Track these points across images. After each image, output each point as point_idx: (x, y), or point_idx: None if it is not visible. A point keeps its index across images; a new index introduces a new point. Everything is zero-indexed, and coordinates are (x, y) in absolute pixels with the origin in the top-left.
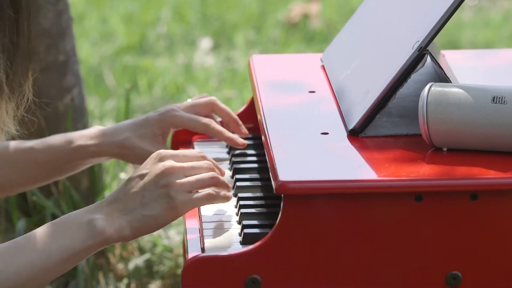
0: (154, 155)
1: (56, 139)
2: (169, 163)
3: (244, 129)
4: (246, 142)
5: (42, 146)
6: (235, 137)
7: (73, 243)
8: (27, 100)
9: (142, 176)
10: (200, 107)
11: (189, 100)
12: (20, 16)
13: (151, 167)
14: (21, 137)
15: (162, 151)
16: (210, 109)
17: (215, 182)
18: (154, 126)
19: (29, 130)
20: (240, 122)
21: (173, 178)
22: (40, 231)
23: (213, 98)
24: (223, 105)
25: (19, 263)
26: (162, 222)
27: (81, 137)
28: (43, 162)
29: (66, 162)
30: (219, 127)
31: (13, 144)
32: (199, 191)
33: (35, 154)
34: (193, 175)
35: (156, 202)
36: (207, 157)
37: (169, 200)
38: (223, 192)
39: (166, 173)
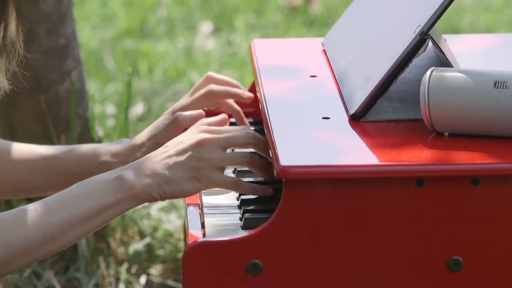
0: (197, 123)
1: (84, 150)
2: (206, 135)
3: (246, 94)
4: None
5: (70, 156)
6: (240, 91)
7: (103, 196)
8: (18, 54)
9: (178, 143)
10: (199, 87)
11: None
12: None
13: (189, 135)
14: (14, 92)
15: (205, 121)
16: (210, 99)
17: (247, 161)
18: (165, 136)
19: (22, 84)
20: (239, 91)
21: (205, 150)
22: (72, 188)
23: (208, 73)
24: (219, 76)
25: (51, 216)
26: (186, 191)
27: (107, 152)
28: (69, 172)
29: (89, 174)
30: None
31: (37, 149)
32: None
33: (62, 164)
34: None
35: (183, 169)
36: (250, 132)
37: (194, 172)
38: (251, 185)
39: (200, 144)
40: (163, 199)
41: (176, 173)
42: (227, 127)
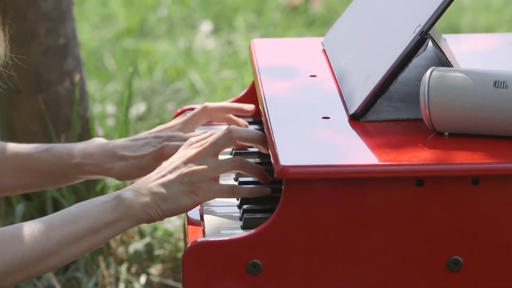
0: (186, 142)
1: (58, 151)
2: (194, 150)
3: (246, 107)
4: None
5: (45, 155)
6: (241, 105)
7: (101, 214)
8: (4, 55)
9: (171, 163)
10: (196, 116)
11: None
12: None
13: (180, 154)
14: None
15: (193, 139)
16: (207, 115)
17: (239, 165)
18: (148, 163)
19: (8, 85)
20: (239, 105)
21: (196, 163)
22: (71, 207)
23: (204, 104)
24: (215, 104)
25: (49, 232)
26: (183, 205)
27: (81, 154)
28: (43, 171)
29: (63, 174)
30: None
31: (12, 148)
32: (225, 180)
33: (37, 163)
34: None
35: (178, 185)
36: (231, 128)
37: (190, 186)
38: (248, 188)
39: (190, 159)
40: (161, 218)
41: (172, 190)
42: (211, 134)
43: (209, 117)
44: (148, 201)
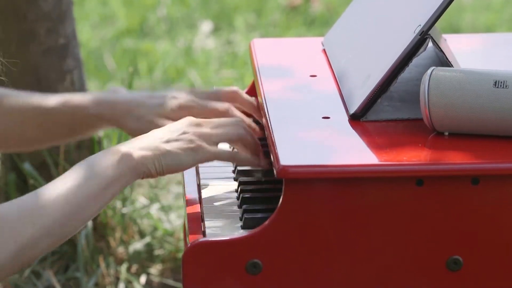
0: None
1: (75, 102)
2: (200, 119)
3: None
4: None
5: (64, 109)
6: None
7: (107, 170)
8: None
9: (171, 125)
10: (221, 94)
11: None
12: None
13: (182, 120)
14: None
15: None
16: (231, 99)
17: (240, 138)
18: (150, 111)
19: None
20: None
21: (200, 127)
22: (73, 170)
23: (235, 89)
24: (245, 96)
25: (67, 198)
26: (183, 162)
27: (97, 104)
28: (57, 124)
29: (82, 125)
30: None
31: (34, 101)
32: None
33: (55, 116)
34: (224, 131)
35: (179, 142)
36: (242, 119)
37: (190, 143)
38: (248, 156)
39: (195, 123)
40: (159, 173)
41: (172, 145)
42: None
43: (232, 102)
44: (148, 154)
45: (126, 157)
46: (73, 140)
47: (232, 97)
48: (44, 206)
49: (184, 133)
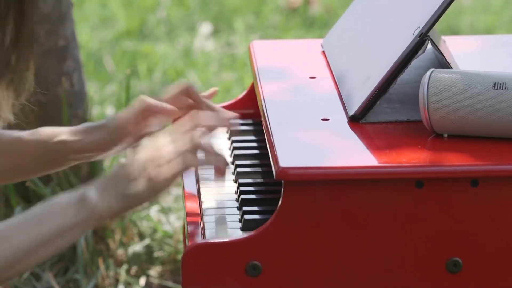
0: (152, 140)
1: (44, 130)
2: (158, 152)
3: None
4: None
5: (30, 136)
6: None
7: (64, 218)
8: (28, 88)
9: (138, 158)
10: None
11: None
12: (25, 2)
13: (143, 151)
14: (20, 125)
15: (160, 136)
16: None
17: (196, 142)
18: (126, 119)
19: (27, 118)
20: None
21: (157, 164)
22: (37, 208)
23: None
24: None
25: (17, 239)
26: (143, 199)
27: (66, 132)
28: (31, 154)
29: (51, 154)
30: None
31: (8, 133)
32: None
33: (23, 145)
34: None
35: (138, 180)
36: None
37: (149, 182)
38: (202, 158)
39: (153, 160)
40: (124, 213)
41: (132, 186)
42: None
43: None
44: (111, 200)
45: (90, 205)
46: (43, 173)
47: (185, 94)
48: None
49: (144, 167)
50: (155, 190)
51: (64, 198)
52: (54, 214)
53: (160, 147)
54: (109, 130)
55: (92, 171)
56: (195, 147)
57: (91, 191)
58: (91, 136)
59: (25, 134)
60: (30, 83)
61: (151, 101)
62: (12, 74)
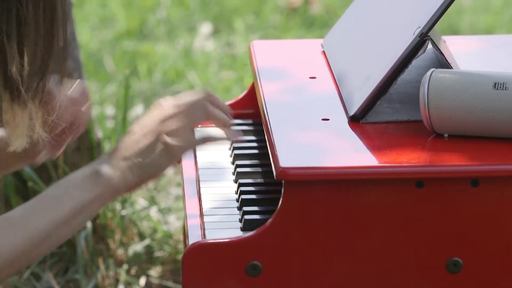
0: (155, 104)
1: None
2: (167, 111)
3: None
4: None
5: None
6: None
7: (82, 193)
8: (59, 107)
9: (142, 127)
10: None
11: None
12: (54, 21)
13: (150, 115)
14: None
15: (163, 101)
16: None
17: (210, 116)
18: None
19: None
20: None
21: (169, 124)
22: (51, 189)
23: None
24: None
25: (35, 220)
26: (161, 167)
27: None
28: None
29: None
30: None
31: None
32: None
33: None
34: (191, 117)
35: (153, 148)
36: (209, 95)
37: (163, 146)
38: (220, 134)
39: (162, 120)
40: (140, 185)
41: (147, 155)
42: (184, 97)
43: None
44: (125, 171)
45: (105, 179)
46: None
47: None
48: (10, 233)
49: (156, 136)
50: (171, 156)
51: (77, 175)
52: (71, 191)
53: (167, 110)
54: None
55: None
56: (206, 112)
57: (103, 165)
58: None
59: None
60: (60, 102)
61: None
62: (29, 92)
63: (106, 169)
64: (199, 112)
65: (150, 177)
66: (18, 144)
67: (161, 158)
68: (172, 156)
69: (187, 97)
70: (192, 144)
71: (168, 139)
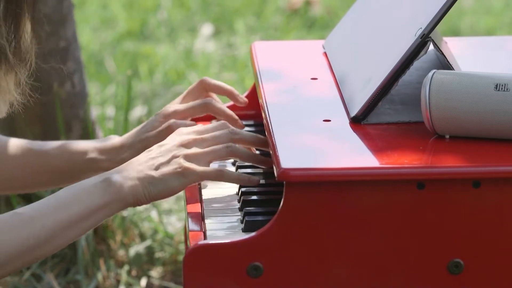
0: (176, 131)
1: (72, 147)
2: (188, 136)
3: (239, 97)
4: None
5: (59, 152)
6: (235, 92)
7: (91, 199)
8: (30, 67)
9: (160, 146)
10: (193, 91)
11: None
12: None
13: (170, 139)
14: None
15: (183, 128)
16: (203, 89)
17: (230, 151)
18: (155, 141)
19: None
20: (233, 91)
21: (188, 148)
22: (60, 192)
23: (203, 78)
24: (214, 81)
25: (43, 219)
26: (171, 188)
27: (95, 149)
28: (58, 169)
29: (77, 170)
30: (219, 104)
31: (26, 144)
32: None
33: (52, 161)
34: (212, 152)
35: (167, 167)
36: (230, 126)
37: (178, 167)
38: (236, 174)
39: (183, 144)
40: (148, 201)
41: (160, 172)
42: (206, 126)
43: (204, 91)
44: (136, 184)
45: (115, 188)
46: (62, 185)
47: (201, 88)
48: (16, 230)
49: (173, 157)
50: (184, 179)
51: (89, 181)
52: (81, 195)
53: (189, 135)
54: (138, 150)
55: None
56: (231, 141)
57: (116, 174)
58: (120, 155)
59: (50, 148)
60: (32, 62)
61: (179, 122)
62: (15, 56)
63: (118, 179)
64: (222, 150)
65: (160, 195)
66: (2, 109)
67: (173, 178)
68: (185, 179)
69: (210, 128)
70: (206, 174)
71: (185, 162)
